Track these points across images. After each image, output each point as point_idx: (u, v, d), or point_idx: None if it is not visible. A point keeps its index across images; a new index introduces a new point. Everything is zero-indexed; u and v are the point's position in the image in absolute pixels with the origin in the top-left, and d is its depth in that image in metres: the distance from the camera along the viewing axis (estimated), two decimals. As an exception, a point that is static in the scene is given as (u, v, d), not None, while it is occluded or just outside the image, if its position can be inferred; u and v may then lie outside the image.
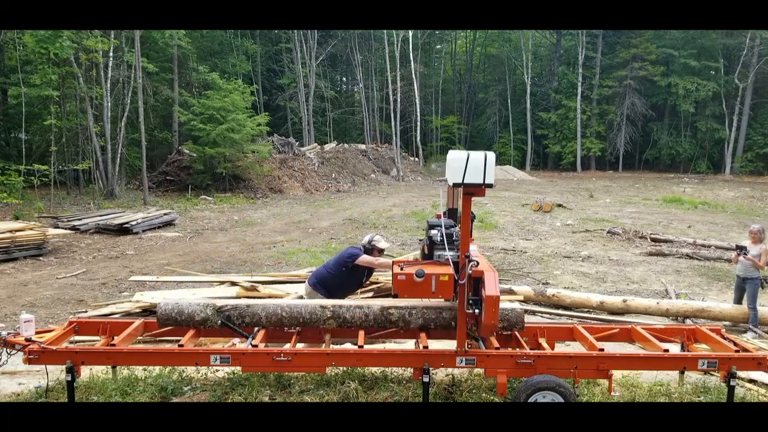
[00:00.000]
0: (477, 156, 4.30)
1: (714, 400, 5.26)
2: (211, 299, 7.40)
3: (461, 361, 4.71)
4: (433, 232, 4.74)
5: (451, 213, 5.07)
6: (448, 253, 4.53)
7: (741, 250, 7.54)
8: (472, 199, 4.50)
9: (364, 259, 5.80)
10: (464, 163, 4.28)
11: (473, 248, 4.57)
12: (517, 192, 25.94)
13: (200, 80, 28.84)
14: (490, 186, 4.35)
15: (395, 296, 4.55)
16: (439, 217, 4.96)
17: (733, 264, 8.11)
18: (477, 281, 4.44)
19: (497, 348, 4.82)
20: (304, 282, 8.79)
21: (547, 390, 4.46)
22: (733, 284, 9.81)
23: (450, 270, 4.47)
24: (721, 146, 39.23)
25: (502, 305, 5.36)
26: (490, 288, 4.28)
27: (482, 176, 4.30)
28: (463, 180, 4.31)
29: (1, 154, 21.54)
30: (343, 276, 5.91)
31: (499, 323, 5.00)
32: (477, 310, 4.43)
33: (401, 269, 4.50)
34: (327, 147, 32.35)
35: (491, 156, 4.33)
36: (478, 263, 4.41)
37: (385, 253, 6.31)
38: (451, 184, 4.44)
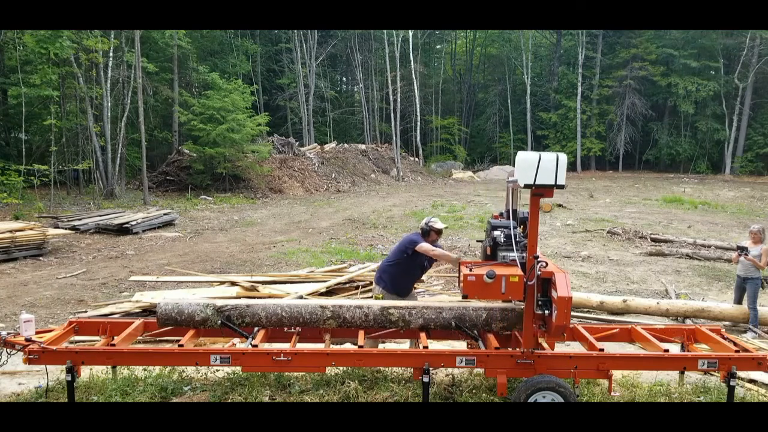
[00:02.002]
0: (549, 157, 4.30)
1: (714, 400, 5.26)
2: (211, 299, 7.41)
3: (461, 361, 4.71)
4: (497, 233, 4.72)
5: (510, 214, 5.05)
6: (514, 254, 4.52)
7: (742, 250, 7.54)
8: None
9: (423, 247, 5.61)
10: (536, 164, 4.26)
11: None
12: (517, 192, 25.88)
13: (200, 80, 28.85)
14: (562, 187, 4.35)
15: (465, 297, 4.52)
16: (497, 218, 4.95)
17: (734, 264, 8.11)
18: (546, 282, 4.44)
19: (497, 348, 4.82)
20: (304, 282, 8.83)
21: (547, 390, 4.46)
22: (733, 284, 9.83)
23: (518, 271, 4.46)
24: (721, 146, 39.22)
25: (502, 305, 5.38)
26: (562, 289, 4.27)
27: (554, 177, 4.29)
28: (534, 181, 4.30)
29: (1, 154, 21.53)
30: (406, 263, 5.79)
31: (499, 323, 5.01)
32: (547, 311, 4.43)
33: (470, 270, 4.49)
34: (327, 147, 32.35)
35: (563, 157, 4.33)
36: (547, 264, 4.42)
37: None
38: (522, 185, 4.41)
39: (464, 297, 4.52)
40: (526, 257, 4.51)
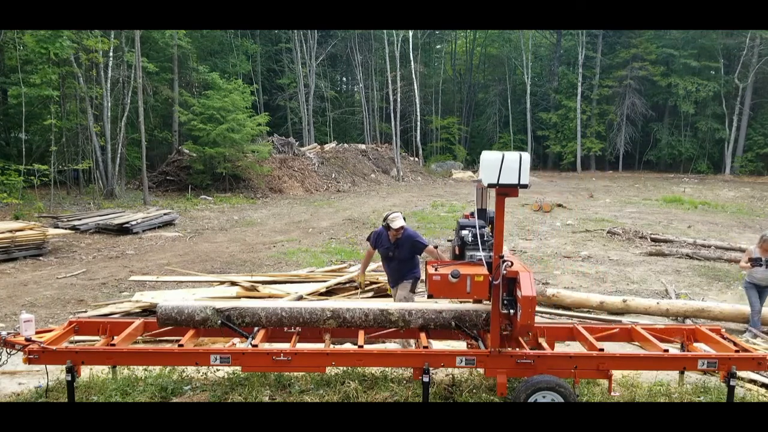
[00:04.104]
0: (512, 156, 4.30)
1: (714, 400, 5.26)
2: (211, 299, 7.41)
3: (461, 361, 4.71)
4: (465, 232, 4.72)
5: (480, 213, 5.05)
6: (481, 254, 4.52)
7: (756, 261, 7.19)
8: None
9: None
10: (499, 164, 4.27)
11: (505, 249, 4.56)
12: (517, 192, 25.88)
13: (200, 80, 28.85)
14: (525, 186, 4.35)
15: (430, 297, 4.53)
16: (467, 217, 4.95)
17: (742, 272, 7.84)
18: (511, 281, 4.44)
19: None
20: (304, 282, 8.83)
21: (547, 390, 4.46)
22: (732, 284, 9.83)
23: (484, 270, 4.45)
24: (721, 146, 39.22)
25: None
26: (527, 288, 4.27)
27: (517, 176, 4.29)
28: (498, 180, 4.30)
29: (1, 154, 21.53)
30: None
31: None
32: (512, 311, 4.42)
33: (435, 270, 4.48)
34: (327, 147, 32.35)
35: (526, 156, 4.33)
36: (512, 263, 4.41)
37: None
38: (486, 184, 4.42)
39: (429, 297, 4.53)
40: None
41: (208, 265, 11.08)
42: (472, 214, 5.09)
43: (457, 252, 4.86)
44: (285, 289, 8.38)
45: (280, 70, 38.01)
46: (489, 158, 4.33)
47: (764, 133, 37.66)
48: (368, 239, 6.29)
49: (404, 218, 5.92)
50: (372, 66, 40.15)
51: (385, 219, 5.96)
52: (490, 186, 4.38)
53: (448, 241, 5.31)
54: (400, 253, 5.99)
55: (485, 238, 4.66)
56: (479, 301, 5.13)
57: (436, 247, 6.01)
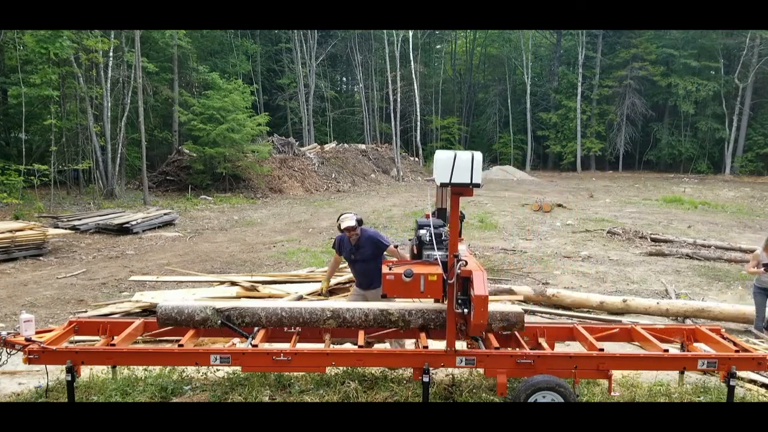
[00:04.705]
0: (464, 156, 4.30)
1: (714, 400, 5.26)
2: (211, 299, 7.42)
3: (461, 361, 4.71)
4: (422, 231, 4.72)
5: (440, 213, 5.06)
6: (437, 253, 4.52)
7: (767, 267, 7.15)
8: (462, 198, 4.48)
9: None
10: (451, 163, 4.28)
11: (462, 248, 4.56)
12: (517, 192, 25.94)
13: (200, 80, 28.85)
14: (477, 186, 4.35)
15: (384, 296, 4.54)
16: (428, 216, 4.96)
17: (752, 275, 7.75)
18: (466, 281, 4.43)
19: (497, 348, 4.82)
20: (304, 282, 8.83)
21: (547, 390, 4.46)
22: (733, 285, 9.83)
23: (439, 270, 4.45)
24: (721, 146, 39.25)
25: (502, 306, 5.38)
26: (479, 288, 4.27)
27: (469, 176, 4.29)
28: (450, 180, 4.31)
29: (1, 154, 21.54)
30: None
31: (499, 323, 5.01)
32: (466, 310, 4.41)
33: (390, 269, 4.49)
34: (327, 147, 32.35)
35: (478, 156, 4.33)
36: (466, 263, 4.40)
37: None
38: (438, 183, 4.42)
39: (383, 296, 4.53)
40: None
41: (208, 265, 11.08)
42: (434, 214, 5.10)
43: (415, 251, 4.87)
44: (285, 289, 8.38)
45: (280, 70, 38.02)
46: (442, 157, 4.34)
47: (764, 133, 37.68)
48: (333, 246, 6.22)
49: (360, 220, 5.85)
50: (372, 66, 40.16)
51: (338, 220, 5.93)
52: (443, 185, 4.39)
53: (409, 240, 5.31)
54: (362, 255, 5.93)
55: (443, 238, 4.65)
56: (438, 301, 5.13)
57: (396, 246, 6.00)
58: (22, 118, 18.08)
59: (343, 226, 5.81)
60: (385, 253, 5.88)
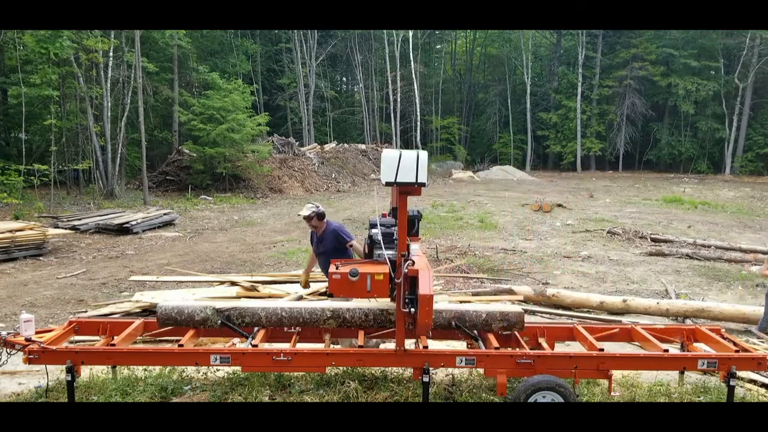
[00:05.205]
0: (409, 155, 4.31)
1: (714, 400, 5.26)
2: (211, 299, 7.42)
3: (461, 361, 4.70)
4: (374, 231, 4.72)
5: (394, 212, 5.06)
6: (387, 252, 4.52)
7: None
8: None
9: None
10: (396, 162, 4.28)
11: (416, 247, 4.54)
12: (517, 192, 25.93)
13: (200, 80, 28.86)
14: (423, 185, 4.35)
15: (330, 296, 4.52)
16: (385, 216, 4.96)
17: (759, 275, 7.82)
18: (413, 280, 4.41)
19: (497, 348, 4.82)
20: (304, 282, 8.82)
21: (547, 390, 4.46)
22: (733, 285, 9.84)
23: (386, 269, 4.44)
24: (721, 146, 39.25)
25: (502, 306, 5.38)
26: (424, 287, 4.24)
27: (415, 175, 4.29)
28: (395, 179, 4.31)
29: (1, 154, 21.54)
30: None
31: (499, 323, 5.02)
32: (413, 309, 4.39)
33: (336, 268, 4.47)
34: (327, 147, 32.36)
35: (423, 155, 4.33)
36: (414, 262, 4.38)
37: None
38: (383, 183, 4.41)
39: (329, 296, 4.52)
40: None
41: (208, 265, 11.09)
42: (389, 213, 5.10)
43: (366, 251, 4.87)
44: (285, 289, 8.39)
45: (280, 70, 38.03)
46: (387, 156, 4.34)
47: (764, 133, 37.68)
48: (311, 240, 6.34)
49: (321, 213, 5.94)
50: (372, 66, 40.18)
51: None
52: (388, 184, 4.39)
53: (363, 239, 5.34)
54: (324, 247, 6.01)
55: (394, 237, 4.65)
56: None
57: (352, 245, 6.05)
58: (22, 118, 18.09)
59: (301, 214, 5.94)
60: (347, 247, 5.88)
